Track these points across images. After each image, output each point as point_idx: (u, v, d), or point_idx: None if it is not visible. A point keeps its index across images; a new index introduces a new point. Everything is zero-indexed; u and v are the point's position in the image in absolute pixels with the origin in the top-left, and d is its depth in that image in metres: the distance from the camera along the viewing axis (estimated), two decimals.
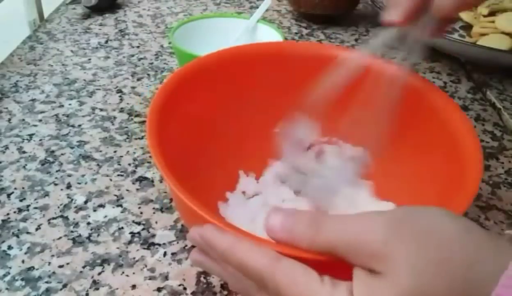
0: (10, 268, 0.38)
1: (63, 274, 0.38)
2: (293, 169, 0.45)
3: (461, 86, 0.67)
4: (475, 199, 0.31)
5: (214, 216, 0.27)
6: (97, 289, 0.36)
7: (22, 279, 0.37)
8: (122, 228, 0.42)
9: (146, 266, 0.39)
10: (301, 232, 0.25)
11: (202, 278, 0.38)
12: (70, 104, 0.58)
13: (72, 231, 0.41)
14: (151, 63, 0.67)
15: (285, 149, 0.40)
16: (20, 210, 0.43)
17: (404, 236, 0.23)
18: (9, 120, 0.54)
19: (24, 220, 0.42)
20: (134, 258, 0.39)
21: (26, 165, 0.48)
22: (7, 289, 0.36)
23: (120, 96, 0.60)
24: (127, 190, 0.46)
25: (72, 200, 0.44)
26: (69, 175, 0.47)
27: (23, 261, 0.38)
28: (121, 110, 0.57)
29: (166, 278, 0.38)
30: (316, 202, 0.38)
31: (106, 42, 0.72)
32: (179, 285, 0.37)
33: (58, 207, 0.43)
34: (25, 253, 0.39)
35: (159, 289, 0.37)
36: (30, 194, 0.45)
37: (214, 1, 0.90)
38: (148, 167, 0.49)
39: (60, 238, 0.41)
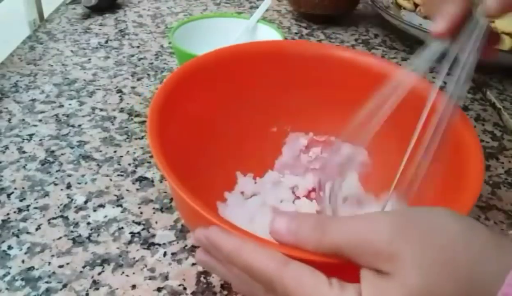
0: (10, 268, 0.38)
1: (63, 274, 0.38)
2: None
3: None
4: None
5: (219, 217, 0.27)
6: (97, 289, 0.36)
7: (22, 279, 0.37)
8: (122, 228, 0.42)
9: (146, 266, 0.39)
10: (306, 235, 0.25)
11: (202, 278, 0.38)
12: (70, 104, 0.58)
13: (72, 231, 0.41)
14: (151, 63, 0.67)
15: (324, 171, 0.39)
16: (20, 210, 0.43)
17: (409, 236, 0.23)
18: (9, 120, 0.54)
19: (24, 220, 0.42)
20: (134, 258, 0.39)
21: (26, 165, 0.48)
22: (7, 289, 0.36)
23: (120, 96, 0.60)
24: (127, 190, 0.46)
25: (72, 200, 0.44)
26: (69, 175, 0.47)
27: (23, 261, 0.38)
28: (121, 110, 0.57)
29: (166, 278, 0.38)
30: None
31: (106, 42, 0.72)
32: (179, 285, 0.37)
33: (58, 207, 0.43)
34: (25, 253, 0.39)
35: (159, 289, 0.37)
36: (30, 194, 0.45)
37: (214, 1, 0.90)
38: (148, 167, 0.49)
39: (60, 238, 0.41)
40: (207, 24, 0.64)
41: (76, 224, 0.42)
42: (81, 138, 0.52)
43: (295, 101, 0.45)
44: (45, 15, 0.82)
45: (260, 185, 0.45)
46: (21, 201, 0.44)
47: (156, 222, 0.43)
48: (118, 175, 0.48)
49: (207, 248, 0.28)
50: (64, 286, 0.37)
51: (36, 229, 0.41)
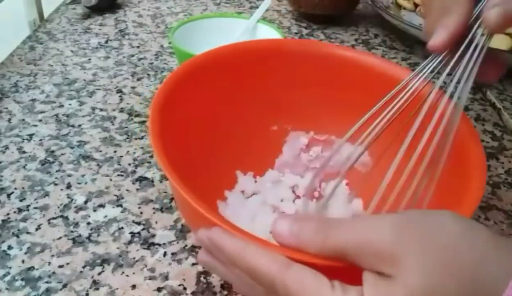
0: (10, 268, 0.38)
1: (63, 274, 0.38)
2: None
3: None
4: None
5: (222, 219, 0.27)
6: (97, 289, 0.36)
7: (22, 279, 0.37)
8: (122, 228, 0.42)
9: (146, 266, 0.39)
10: (309, 238, 0.25)
11: (202, 278, 0.38)
12: (70, 104, 0.58)
13: (72, 231, 0.41)
14: (151, 63, 0.67)
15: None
16: (20, 210, 0.43)
17: (410, 237, 0.23)
18: (9, 120, 0.54)
19: (24, 220, 0.42)
20: (134, 258, 0.39)
21: (26, 165, 0.48)
22: (7, 289, 0.36)
23: (120, 96, 0.60)
24: (127, 190, 0.46)
25: (72, 200, 0.44)
26: (69, 175, 0.47)
27: (23, 261, 0.38)
28: (121, 110, 0.57)
29: (166, 278, 0.38)
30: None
31: (106, 42, 0.72)
32: (179, 285, 0.37)
33: (58, 207, 0.43)
34: (25, 253, 0.39)
35: (159, 289, 0.37)
36: (30, 194, 0.45)
37: (214, 1, 0.90)
38: (148, 167, 0.49)
39: (60, 238, 0.41)
40: (207, 24, 0.64)
41: (76, 224, 0.42)
42: (81, 138, 0.52)
43: (296, 100, 0.45)
44: (45, 15, 0.82)
45: (260, 184, 0.45)
46: (21, 201, 0.44)
47: (156, 222, 0.43)
48: (118, 175, 0.48)
49: (209, 249, 0.28)
50: (64, 286, 0.37)
51: (36, 229, 0.41)
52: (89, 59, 0.67)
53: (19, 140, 0.51)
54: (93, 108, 0.57)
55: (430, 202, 0.31)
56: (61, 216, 0.43)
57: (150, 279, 0.38)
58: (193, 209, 0.28)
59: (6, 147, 0.50)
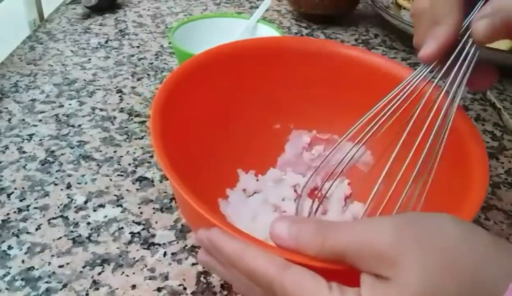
0: (10, 268, 0.38)
1: (63, 274, 0.37)
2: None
3: None
4: None
5: (222, 220, 0.27)
6: (97, 289, 0.36)
7: (22, 279, 0.37)
8: (122, 228, 0.42)
9: (146, 266, 0.39)
10: (308, 240, 0.25)
11: (202, 278, 0.38)
12: (70, 104, 0.58)
13: (72, 231, 0.41)
14: (151, 63, 0.67)
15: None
16: (20, 210, 0.43)
17: (410, 239, 0.23)
18: (9, 120, 0.54)
19: (24, 220, 0.42)
20: (134, 258, 0.39)
21: (26, 165, 0.48)
22: (7, 289, 0.36)
23: (120, 96, 0.60)
24: (127, 190, 0.46)
25: (72, 200, 0.44)
26: (69, 175, 0.47)
27: (23, 261, 0.38)
28: (121, 110, 0.57)
29: (166, 278, 0.38)
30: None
31: (106, 42, 0.72)
32: (179, 285, 0.37)
33: (58, 207, 0.43)
34: (25, 253, 0.39)
35: (159, 289, 0.37)
36: (30, 194, 0.45)
37: (214, 1, 0.90)
38: (148, 167, 0.49)
39: (60, 238, 0.41)
40: (207, 24, 0.64)
41: (76, 224, 0.42)
42: (81, 138, 0.52)
43: (299, 99, 0.45)
44: (45, 15, 0.82)
45: (262, 183, 0.45)
46: (21, 201, 0.44)
47: (156, 222, 0.43)
48: (118, 175, 0.48)
49: (209, 249, 0.28)
50: (64, 286, 0.37)
51: (36, 229, 0.41)
52: (89, 59, 0.67)
53: (19, 140, 0.51)
54: (93, 108, 0.57)
55: (432, 202, 0.31)
56: (61, 216, 0.43)
57: (150, 279, 0.37)
58: (193, 209, 0.28)
59: (6, 147, 0.50)
